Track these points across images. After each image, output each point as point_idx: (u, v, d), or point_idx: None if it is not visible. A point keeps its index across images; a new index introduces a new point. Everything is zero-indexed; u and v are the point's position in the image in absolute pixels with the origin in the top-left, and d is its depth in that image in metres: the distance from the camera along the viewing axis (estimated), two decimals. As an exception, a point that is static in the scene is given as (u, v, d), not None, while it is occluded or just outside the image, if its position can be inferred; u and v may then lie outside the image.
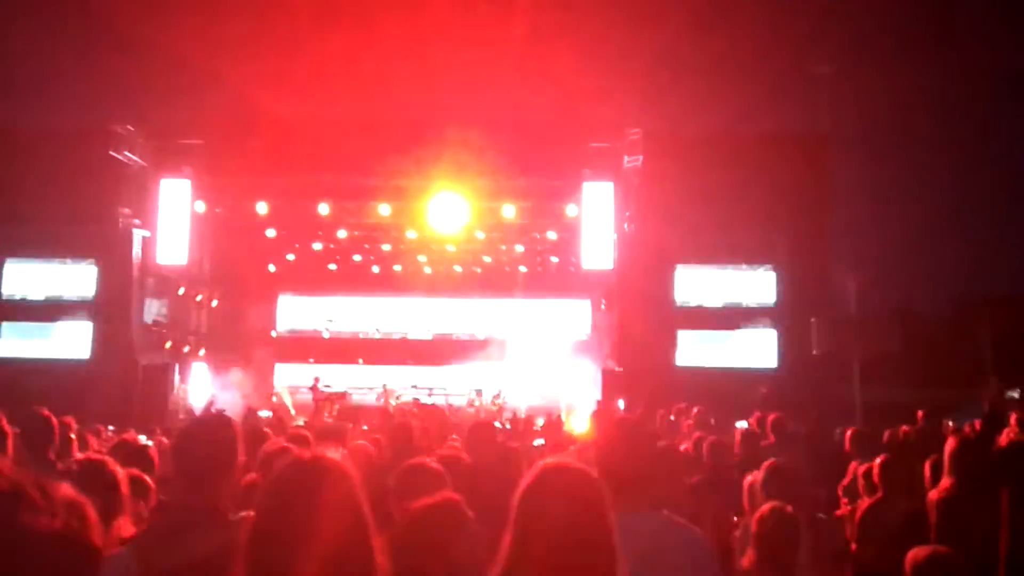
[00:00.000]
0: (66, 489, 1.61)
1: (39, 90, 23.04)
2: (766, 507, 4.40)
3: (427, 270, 27.85)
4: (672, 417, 11.78)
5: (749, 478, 5.58)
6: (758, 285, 21.20)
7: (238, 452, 3.43)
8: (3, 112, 22.19)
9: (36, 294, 21.46)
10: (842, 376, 17.21)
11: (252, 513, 2.93)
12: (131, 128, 20.87)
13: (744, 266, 21.21)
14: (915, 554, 4.06)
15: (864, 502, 6.15)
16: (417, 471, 4.23)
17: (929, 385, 16.06)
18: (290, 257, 27.33)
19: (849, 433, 8.22)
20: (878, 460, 6.18)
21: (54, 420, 5.75)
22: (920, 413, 9.32)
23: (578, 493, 2.48)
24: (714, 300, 21.21)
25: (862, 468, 6.47)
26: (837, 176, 21.17)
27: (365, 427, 18.28)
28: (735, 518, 5.82)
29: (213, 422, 3.82)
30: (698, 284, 21.26)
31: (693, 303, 21.10)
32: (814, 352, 17.84)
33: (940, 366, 18.74)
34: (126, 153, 20.73)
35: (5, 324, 21.36)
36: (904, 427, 8.56)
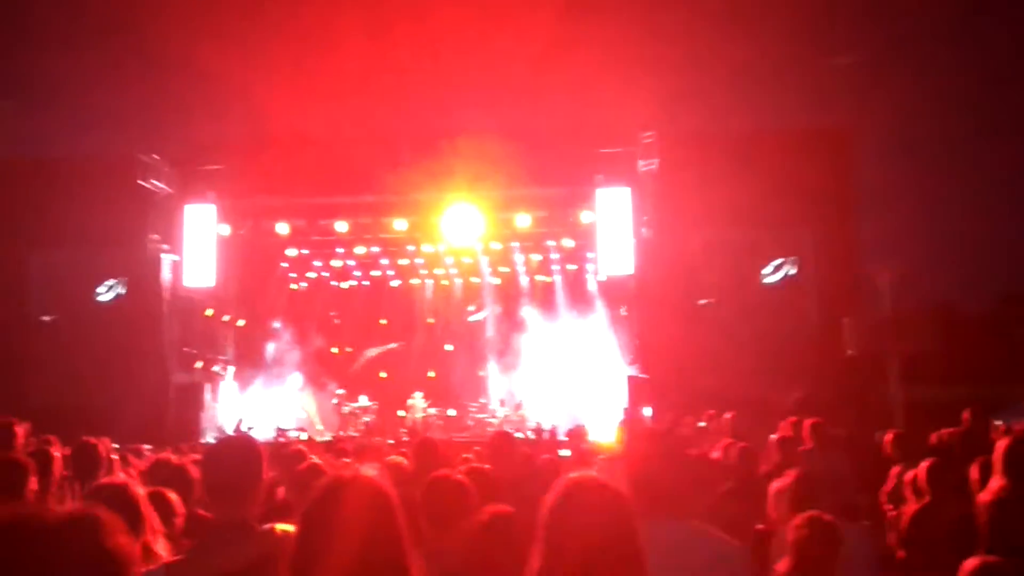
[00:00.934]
0: (75, 505, 1.71)
1: (70, 121, 23.60)
2: (804, 515, 4.33)
3: (444, 282, 27.97)
4: (701, 424, 11.53)
5: (775, 485, 5.43)
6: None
7: (263, 469, 3.56)
8: (39, 143, 23.21)
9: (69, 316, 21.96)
10: (878, 376, 16.84)
11: (274, 525, 3.30)
12: (156, 156, 21.68)
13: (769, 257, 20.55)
14: (967, 564, 3.93)
15: (911, 507, 5.94)
16: (442, 484, 4.27)
17: (971, 383, 15.65)
18: (310, 275, 27.63)
19: (890, 436, 7.96)
20: (925, 463, 6.00)
21: (100, 446, 6.16)
22: (966, 413, 9.00)
23: (604, 508, 2.50)
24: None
25: (908, 473, 6.23)
26: (866, 171, 20.83)
27: (391, 441, 18.26)
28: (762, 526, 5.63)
29: (238, 441, 4.14)
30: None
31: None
32: (848, 353, 17.45)
33: (982, 363, 18.29)
34: (152, 181, 21.57)
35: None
36: (950, 428, 8.26)
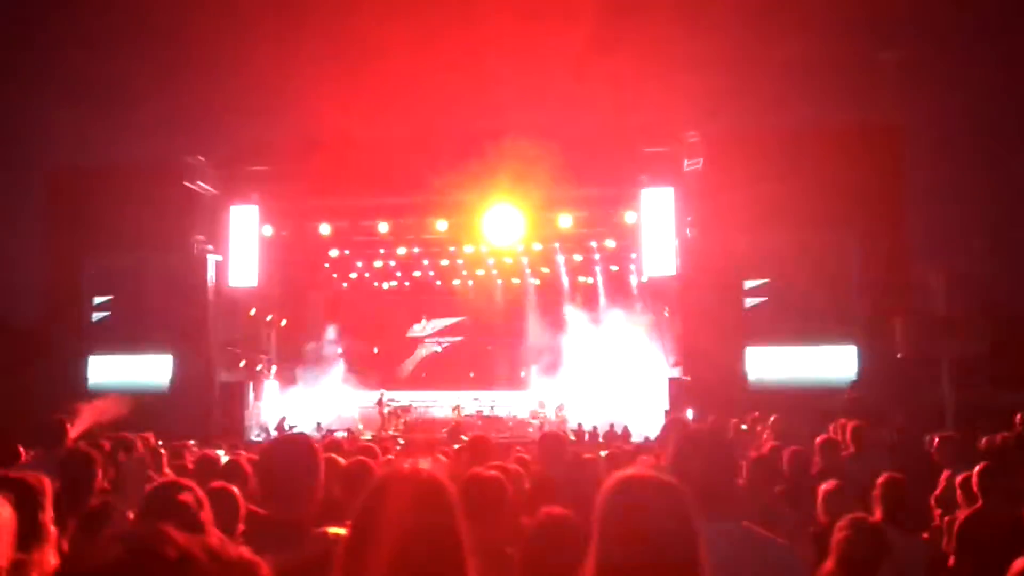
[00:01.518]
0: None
1: (119, 125, 24.16)
2: (848, 517, 4.30)
3: (486, 283, 28.05)
4: (745, 427, 11.39)
5: (823, 487, 5.43)
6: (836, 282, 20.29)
7: (320, 470, 3.59)
8: (88, 147, 23.68)
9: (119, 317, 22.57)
10: (929, 379, 16.50)
11: (327, 528, 3.27)
12: (202, 159, 22.10)
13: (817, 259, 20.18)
14: (1016, 564, 3.77)
15: (962, 512, 5.78)
16: (480, 481, 4.24)
17: (1023, 387, 15.29)
18: (352, 275, 27.96)
19: (936, 440, 7.81)
20: (977, 468, 5.84)
21: (139, 442, 6.56)
22: (1018, 417, 8.80)
23: (662, 503, 2.44)
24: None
25: (959, 477, 6.08)
26: (915, 170, 20.38)
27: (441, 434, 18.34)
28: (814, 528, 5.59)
29: (295, 441, 4.03)
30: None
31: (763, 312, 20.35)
32: (898, 355, 17.13)
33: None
34: (198, 183, 21.98)
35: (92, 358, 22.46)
36: (1001, 433, 8.08)
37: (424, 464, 2.51)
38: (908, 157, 20.19)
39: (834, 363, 19.72)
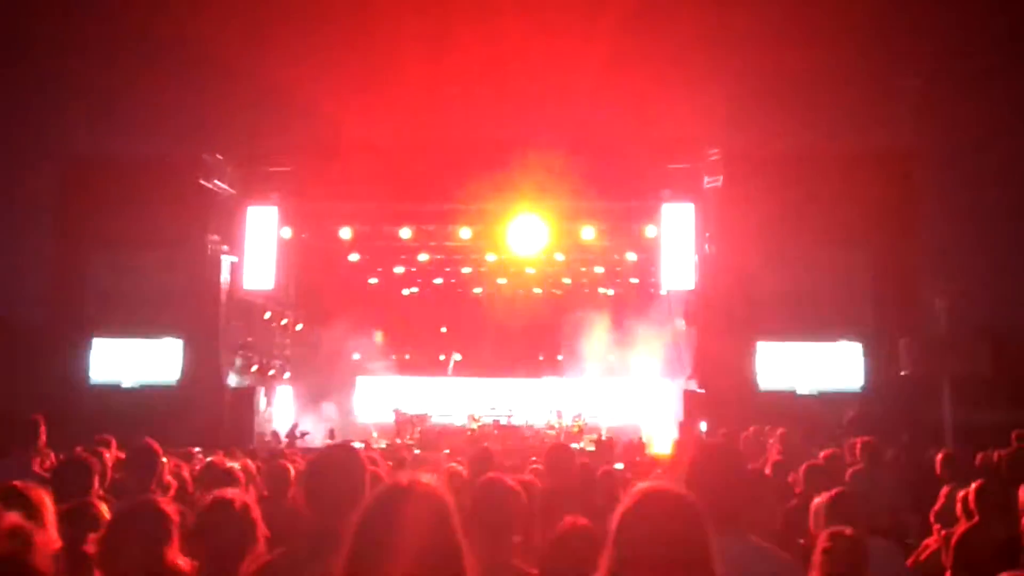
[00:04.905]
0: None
1: (133, 121, 23.76)
2: (831, 529, 4.38)
3: (507, 292, 28.02)
4: (755, 439, 11.58)
5: (816, 501, 5.51)
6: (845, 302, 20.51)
7: (366, 481, 3.56)
8: (101, 143, 22.67)
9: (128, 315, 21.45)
10: (932, 397, 16.74)
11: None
12: (220, 157, 21.37)
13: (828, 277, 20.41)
14: None
15: (960, 527, 5.98)
16: (493, 488, 4.18)
17: (1022, 407, 15.50)
18: (373, 281, 27.72)
19: (940, 456, 8.01)
20: (974, 484, 6.01)
21: (159, 449, 5.89)
22: (1015, 435, 9.03)
23: (678, 517, 2.46)
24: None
25: (959, 493, 6.30)
26: (925, 193, 20.62)
27: (447, 451, 18.47)
28: (800, 541, 5.76)
29: (342, 451, 3.95)
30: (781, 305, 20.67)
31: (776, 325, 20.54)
32: (902, 373, 17.40)
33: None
34: (215, 181, 21.25)
35: (96, 341, 21.46)
36: (998, 450, 8.31)
37: (426, 477, 2.53)
38: (919, 180, 20.43)
39: (842, 367, 19.95)
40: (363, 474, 3.59)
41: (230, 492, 3.92)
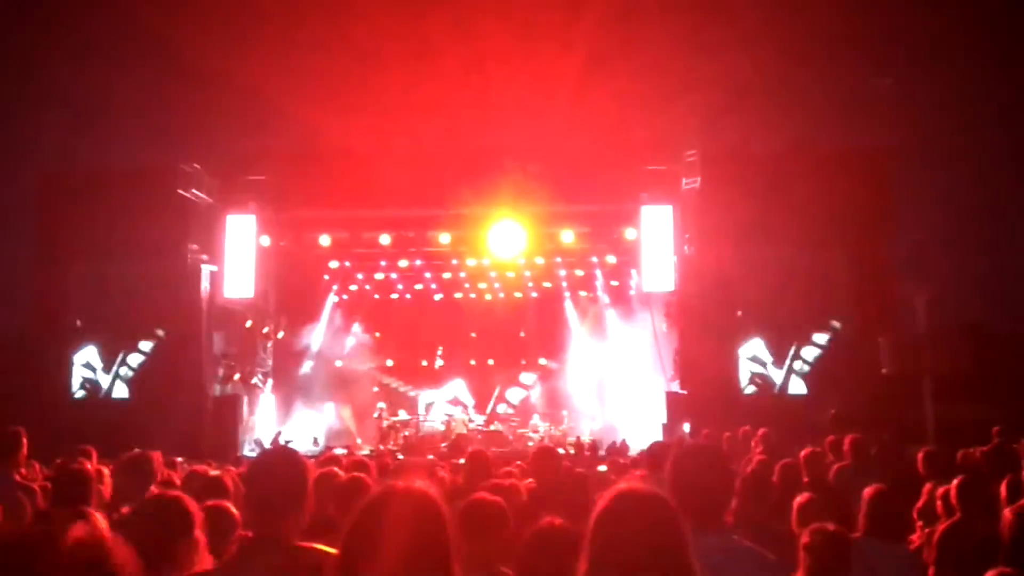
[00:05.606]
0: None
1: (111, 131, 23.60)
2: (815, 525, 4.42)
3: (487, 296, 28.01)
4: (739, 439, 11.62)
5: (798, 499, 5.58)
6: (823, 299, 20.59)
7: (308, 485, 3.49)
8: (78, 153, 22.53)
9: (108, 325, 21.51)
10: (912, 395, 16.87)
11: (314, 545, 3.20)
12: (197, 166, 21.31)
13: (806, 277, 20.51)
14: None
15: (942, 524, 6.02)
16: (480, 506, 4.21)
17: (1002, 402, 15.65)
18: (352, 287, 27.69)
19: (921, 454, 8.06)
20: (955, 481, 6.04)
21: (154, 457, 5.96)
22: (995, 431, 9.11)
23: (652, 517, 2.47)
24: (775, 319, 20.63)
25: (940, 490, 6.33)
26: (902, 191, 20.78)
27: (431, 456, 18.42)
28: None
29: (282, 455, 3.88)
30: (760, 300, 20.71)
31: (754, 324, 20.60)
32: (883, 371, 17.52)
33: (1013, 383, 18.24)
34: (193, 191, 21.19)
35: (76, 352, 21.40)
36: (979, 447, 8.37)
37: (419, 481, 2.52)
38: (895, 178, 20.60)
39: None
40: (303, 480, 3.49)
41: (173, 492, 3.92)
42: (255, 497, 3.51)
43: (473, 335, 28.89)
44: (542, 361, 28.40)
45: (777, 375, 20.19)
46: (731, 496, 3.65)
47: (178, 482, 7.19)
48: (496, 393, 28.23)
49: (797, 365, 20.17)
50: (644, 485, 2.66)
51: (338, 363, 27.64)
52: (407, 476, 2.60)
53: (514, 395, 28.30)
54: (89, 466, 6.60)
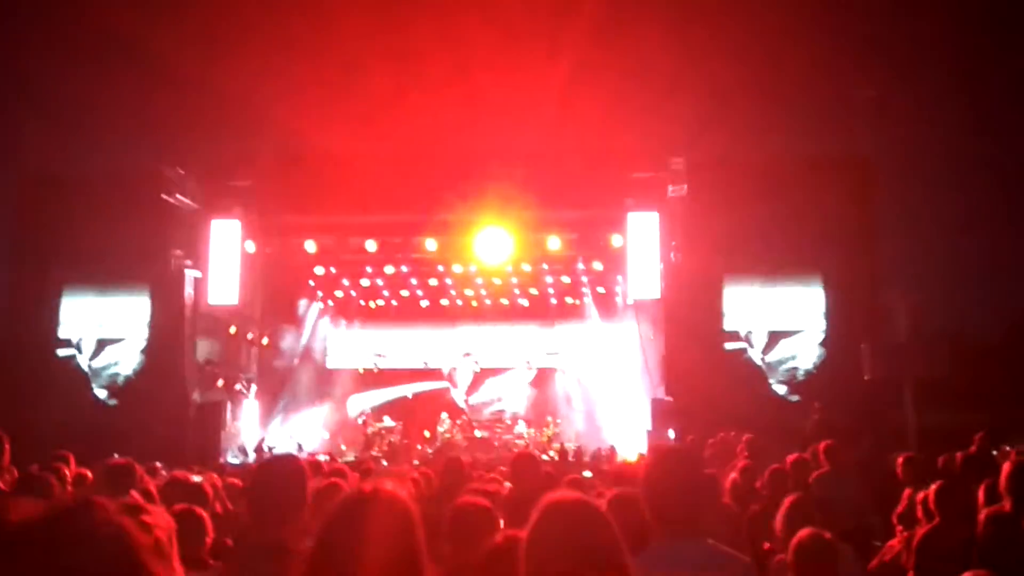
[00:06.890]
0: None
1: (93, 135, 23.51)
2: (803, 532, 4.40)
3: (474, 303, 27.97)
4: (723, 444, 11.66)
5: (784, 504, 5.56)
6: (807, 305, 20.66)
7: (307, 492, 3.57)
8: (60, 156, 22.52)
9: (91, 333, 21.30)
10: (894, 401, 16.96)
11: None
12: (181, 171, 21.19)
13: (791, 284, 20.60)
14: None
15: (921, 529, 6.04)
16: (468, 509, 4.19)
17: (983, 409, 15.79)
18: (338, 294, 27.62)
19: (901, 459, 8.10)
20: (933, 487, 6.08)
21: (137, 466, 5.86)
22: (976, 437, 9.16)
23: (583, 526, 2.46)
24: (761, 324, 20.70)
25: (919, 495, 6.37)
26: (886, 200, 20.96)
27: (416, 462, 18.43)
28: (766, 545, 5.81)
29: (283, 462, 3.96)
30: (745, 307, 20.73)
31: (741, 329, 20.65)
32: (866, 377, 17.60)
33: (994, 390, 18.42)
34: (177, 196, 21.04)
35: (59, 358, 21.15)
36: (959, 452, 8.42)
37: (388, 485, 2.54)
38: (878, 187, 20.76)
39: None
40: (304, 485, 3.56)
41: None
42: (256, 501, 3.58)
43: (460, 341, 28.84)
44: (529, 367, 28.37)
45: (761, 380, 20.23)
46: (705, 499, 3.70)
47: (154, 490, 7.13)
48: (480, 400, 28.17)
49: (782, 370, 20.24)
50: (576, 494, 2.66)
51: (323, 369, 27.56)
52: (380, 480, 2.59)
53: (499, 402, 28.21)
54: (67, 471, 6.57)
